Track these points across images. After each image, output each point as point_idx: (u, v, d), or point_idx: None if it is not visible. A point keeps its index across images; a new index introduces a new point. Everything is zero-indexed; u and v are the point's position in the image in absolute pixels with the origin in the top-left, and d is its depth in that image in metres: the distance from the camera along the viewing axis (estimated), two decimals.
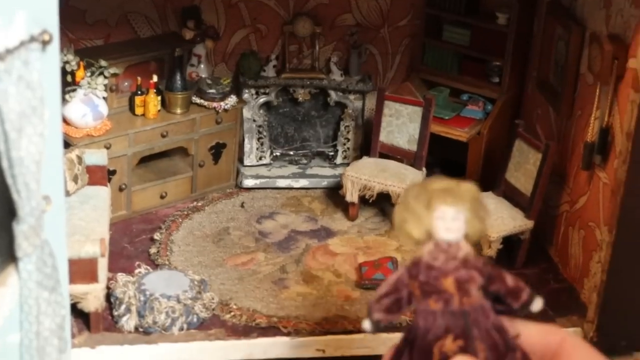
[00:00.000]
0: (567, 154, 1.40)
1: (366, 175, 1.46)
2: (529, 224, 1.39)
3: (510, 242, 1.46)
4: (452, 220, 0.63)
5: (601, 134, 1.24)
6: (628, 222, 1.12)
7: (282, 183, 1.58)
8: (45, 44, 0.76)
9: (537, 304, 0.65)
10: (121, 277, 1.25)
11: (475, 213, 0.64)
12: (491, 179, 1.50)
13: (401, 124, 1.55)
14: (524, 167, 1.44)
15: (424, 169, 1.49)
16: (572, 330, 1.11)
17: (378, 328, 0.64)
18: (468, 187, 0.64)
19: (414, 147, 1.51)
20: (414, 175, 1.45)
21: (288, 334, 1.21)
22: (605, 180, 1.21)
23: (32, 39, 0.75)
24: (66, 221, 0.86)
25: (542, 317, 0.67)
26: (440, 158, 1.63)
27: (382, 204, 1.49)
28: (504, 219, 1.46)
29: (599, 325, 1.17)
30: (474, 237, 0.64)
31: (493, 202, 1.46)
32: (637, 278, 1.14)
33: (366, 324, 0.65)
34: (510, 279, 0.65)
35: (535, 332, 0.64)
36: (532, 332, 0.64)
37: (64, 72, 1.47)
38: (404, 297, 0.64)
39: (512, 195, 1.45)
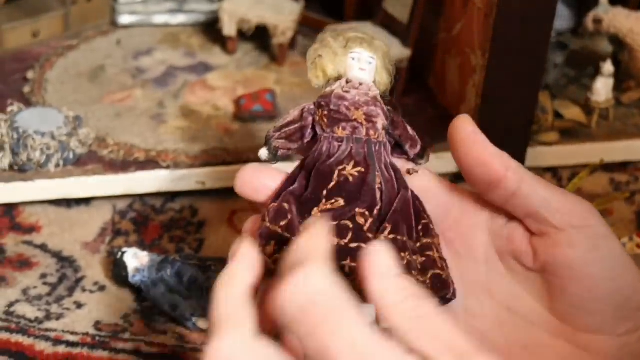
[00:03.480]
0: None
1: (243, 8, 1.43)
2: (406, 52, 1.39)
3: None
4: (366, 62, 0.64)
5: None
6: (500, 44, 1.14)
7: (159, 19, 1.54)
8: None
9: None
10: None
11: (385, 65, 0.66)
12: (370, 9, 1.49)
13: None
14: None
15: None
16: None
17: (275, 157, 0.64)
18: (380, 42, 0.67)
19: None
20: (291, 6, 1.43)
21: (167, 168, 1.20)
22: (480, 5, 1.22)
23: None
24: None
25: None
26: None
27: (260, 37, 1.48)
28: None
29: None
30: (380, 88, 0.66)
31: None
32: (508, 99, 1.16)
33: (263, 152, 0.64)
34: (410, 129, 0.67)
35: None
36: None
37: None
38: (308, 125, 0.64)
39: (390, 24, 1.45)
